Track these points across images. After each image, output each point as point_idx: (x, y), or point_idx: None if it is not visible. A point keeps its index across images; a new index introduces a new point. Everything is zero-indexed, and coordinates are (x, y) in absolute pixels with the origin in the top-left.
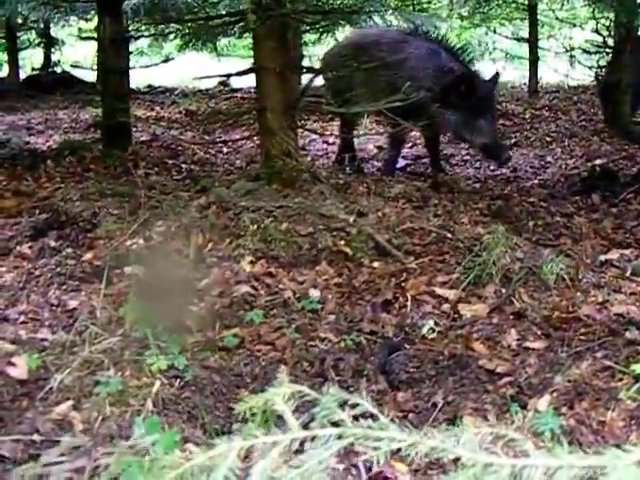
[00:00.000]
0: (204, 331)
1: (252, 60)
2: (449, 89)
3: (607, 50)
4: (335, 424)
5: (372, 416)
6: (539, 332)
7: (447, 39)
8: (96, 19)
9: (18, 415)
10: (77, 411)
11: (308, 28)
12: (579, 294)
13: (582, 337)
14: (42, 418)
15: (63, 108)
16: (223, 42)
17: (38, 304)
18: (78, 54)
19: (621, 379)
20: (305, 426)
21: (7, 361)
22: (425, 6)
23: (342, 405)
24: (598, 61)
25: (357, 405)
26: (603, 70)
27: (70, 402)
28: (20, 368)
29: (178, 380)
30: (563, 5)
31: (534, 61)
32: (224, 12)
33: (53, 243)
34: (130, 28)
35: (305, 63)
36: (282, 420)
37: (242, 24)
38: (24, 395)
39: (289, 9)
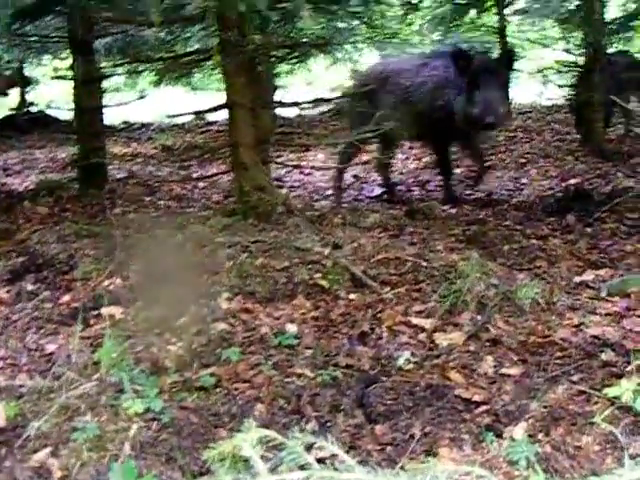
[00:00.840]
0: (181, 371)
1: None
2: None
3: (578, 69)
4: (302, 467)
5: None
6: (515, 358)
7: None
8: (70, 57)
9: None
10: (55, 458)
11: (279, 60)
12: (554, 317)
13: (558, 361)
14: (20, 466)
15: (40, 147)
16: (197, 75)
17: (16, 349)
18: (54, 92)
19: (596, 402)
20: (274, 469)
21: None
22: (396, 32)
23: (309, 447)
24: (570, 80)
25: (323, 447)
26: (574, 89)
27: (48, 449)
28: None
29: (155, 422)
30: (534, 25)
31: None
32: (196, 47)
33: (30, 287)
34: (103, 65)
35: (278, 94)
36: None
37: (212, 61)
38: (2, 444)
39: (257, 44)
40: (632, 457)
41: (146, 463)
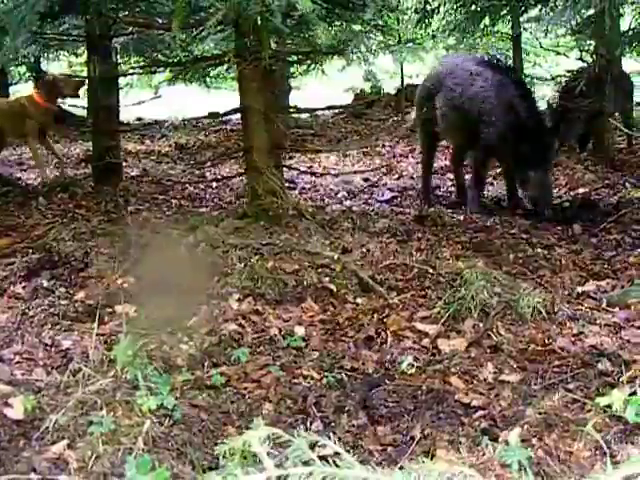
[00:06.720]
0: (193, 370)
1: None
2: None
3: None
4: (306, 463)
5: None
6: (515, 365)
7: (513, 69)
8: (86, 54)
9: (15, 455)
10: (72, 450)
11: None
12: (555, 327)
13: (556, 369)
14: (38, 457)
15: (54, 142)
16: (212, 73)
17: (32, 344)
18: None
19: (589, 410)
20: (280, 465)
21: (4, 402)
22: (410, 37)
23: (313, 446)
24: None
25: (326, 446)
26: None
27: (65, 441)
28: (16, 409)
29: (167, 419)
30: (547, 33)
31: None
32: (212, 45)
33: (46, 283)
34: (119, 62)
35: (292, 96)
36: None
37: (228, 65)
38: (21, 435)
39: (274, 51)
40: (616, 463)
41: (158, 457)
